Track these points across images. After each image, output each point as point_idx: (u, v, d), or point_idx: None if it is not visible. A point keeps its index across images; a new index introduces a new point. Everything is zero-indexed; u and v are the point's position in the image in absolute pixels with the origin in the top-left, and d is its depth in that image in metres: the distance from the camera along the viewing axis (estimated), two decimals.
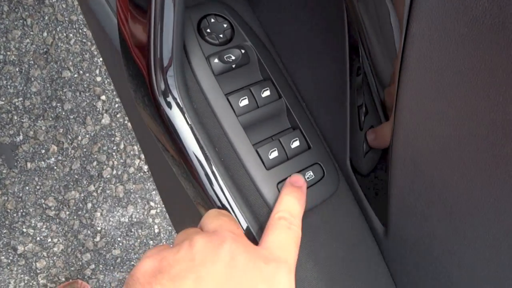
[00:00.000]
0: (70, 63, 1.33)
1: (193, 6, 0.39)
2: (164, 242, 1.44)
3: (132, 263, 1.41)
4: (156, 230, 1.43)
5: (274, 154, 0.36)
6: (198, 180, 0.35)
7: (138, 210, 1.41)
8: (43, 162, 1.33)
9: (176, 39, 0.33)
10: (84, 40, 1.34)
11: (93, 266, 1.38)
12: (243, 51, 0.38)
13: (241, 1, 0.42)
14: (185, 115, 0.34)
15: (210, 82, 0.36)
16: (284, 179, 0.36)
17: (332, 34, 0.32)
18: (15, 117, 1.30)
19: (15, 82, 1.29)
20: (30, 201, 1.32)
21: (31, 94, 1.31)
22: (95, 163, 1.37)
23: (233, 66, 0.38)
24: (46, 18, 1.31)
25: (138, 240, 1.41)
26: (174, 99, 0.34)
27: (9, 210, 1.30)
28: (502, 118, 0.21)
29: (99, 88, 1.36)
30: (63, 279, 1.36)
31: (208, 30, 0.38)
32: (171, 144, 0.35)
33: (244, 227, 0.34)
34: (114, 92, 1.37)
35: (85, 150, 1.36)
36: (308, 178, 0.36)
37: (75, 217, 1.36)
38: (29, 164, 1.31)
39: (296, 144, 0.37)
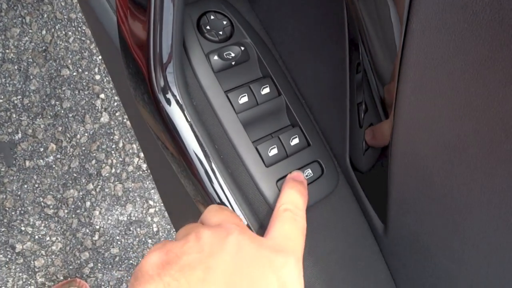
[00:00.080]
0: (69, 61, 1.33)
1: (193, 3, 0.39)
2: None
3: (131, 261, 1.41)
4: (155, 229, 1.43)
5: (274, 152, 0.36)
6: (198, 177, 0.35)
7: (137, 209, 1.41)
8: (41, 161, 1.32)
9: (175, 36, 0.33)
10: (83, 38, 1.34)
11: (91, 264, 1.38)
12: (242, 48, 0.38)
13: None
14: (185, 112, 0.34)
15: (210, 79, 0.36)
16: (284, 177, 0.36)
17: (332, 31, 0.32)
18: (14, 115, 1.30)
19: (14, 80, 1.29)
20: (28, 200, 1.32)
21: (30, 92, 1.31)
22: (94, 161, 1.37)
23: (233, 63, 0.38)
24: (45, 16, 1.31)
25: (137, 239, 1.41)
26: (174, 96, 0.34)
27: (7, 209, 1.30)
28: (502, 115, 0.21)
29: (98, 86, 1.36)
30: (62, 278, 1.35)
31: (208, 27, 0.38)
32: (171, 141, 0.35)
33: (245, 224, 0.34)
34: (113, 91, 1.37)
35: (84, 148, 1.36)
36: (307, 175, 0.37)
37: (73, 216, 1.36)
38: (27, 162, 1.31)
39: (295, 141, 0.37)
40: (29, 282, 1.33)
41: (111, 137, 1.38)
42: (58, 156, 1.34)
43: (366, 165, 0.34)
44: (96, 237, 1.38)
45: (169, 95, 0.34)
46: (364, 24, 0.26)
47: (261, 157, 0.36)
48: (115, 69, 0.56)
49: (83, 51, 1.34)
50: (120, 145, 1.39)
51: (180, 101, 0.34)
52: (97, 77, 1.36)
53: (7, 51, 1.28)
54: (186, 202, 0.46)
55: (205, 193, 0.35)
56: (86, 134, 1.36)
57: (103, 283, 1.39)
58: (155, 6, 0.31)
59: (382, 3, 0.24)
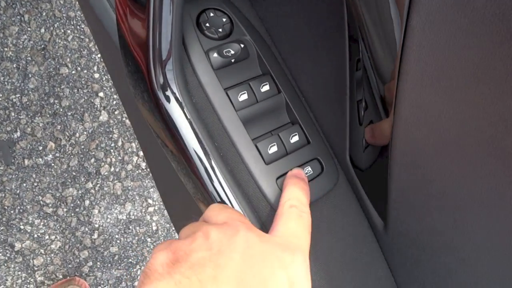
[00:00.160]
0: (68, 59, 1.33)
1: (192, 0, 0.39)
2: (162, 240, 1.44)
3: (130, 260, 1.41)
4: (154, 228, 1.43)
5: (274, 149, 0.36)
6: (198, 175, 0.35)
7: (136, 208, 1.41)
8: (40, 159, 1.32)
9: (174, 33, 0.33)
10: (82, 37, 1.34)
11: (90, 263, 1.38)
12: (242, 45, 0.38)
13: None
14: (184, 109, 0.34)
15: (209, 77, 0.36)
16: (283, 174, 0.36)
17: (332, 28, 0.32)
18: (13, 114, 1.29)
19: (13, 78, 1.29)
20: (27, 198, 1.31)
21: (29, 90, 1.30)
22: (93, 160, 1.36)
23: (232, 60, 0.37)
24: (44, 14, 1.31)
25: (136, 238, 1.41)
26: (173, 93, 0.34)
27: (6, 207, 1.30)
28: (502, 111, 0.21)
29: (97, 85, 1.36)
30: (61, 276, 1.35)
31: (207, 25, 0.38)
32: (170, 139, 0.35)
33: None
34: (112, 89, 1.37)
35: (82, 147, 1.35)
36: (307, 173, 0.36)
37: (72, 214, 1.36)
38: (26, 161, 1.31)
39: (295, 139, 0.37)
40: (28, 281, 1.33)
41: (110, 135, 1.38)
42: (57, 154, 1.34)
43: (366, 162, 0.34)
44: (95, 235, 1.38)
45: (168, 92, 0.34)
46: (364, 21, 0.26)
47: (261, 155, 0.36)
48: (115, 67, 0.56)
49: (82, 49, 1.34)
50: (119, 143, 1.39)
51: (179, 99, 0.34)
52: (96, 75, 1.36)
53: (6, 49, 1.28)
54: (185, 200, 0.46)
55: (205, 191, 0.35)
56: (85, 133, 1.36)
57: (102, 282, 1.39)
58: (154, 4, 0.31)
59: (382, 0, 0.24)
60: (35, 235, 1.33)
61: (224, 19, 0.39)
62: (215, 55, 0.37)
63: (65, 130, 1.34)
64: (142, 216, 1.41)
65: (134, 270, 1.42)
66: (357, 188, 0.37)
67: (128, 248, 1.41)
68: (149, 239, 1.42)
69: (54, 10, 1.31)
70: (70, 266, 1.36)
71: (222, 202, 0.35)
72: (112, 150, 1.38)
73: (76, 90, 1.34)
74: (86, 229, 1.37)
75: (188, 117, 0.34)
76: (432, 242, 0.31)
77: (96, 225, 1.38)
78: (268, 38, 0.40)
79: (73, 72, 1.34)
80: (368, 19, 0.26)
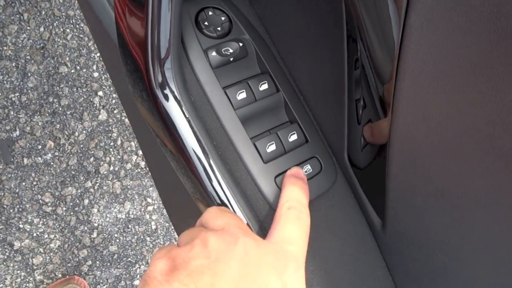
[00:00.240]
0: (67, 58, 1.33)
1: None
2: (162, 239, 1.44)
3: (129, 259, 1.41)
4: (153, 227, 1.43)
5: (272, 148, 0.36)
6: (196, 174, 0.35)
7: (135, 207, 1.41)
8: (39, 158, 1.32)
9: (173, 32, 0.32)
10: (81, 35, 1.34)
11: (90, 262, 1.38)
12: (241, 44, 0.38)
13: None
14: (182, 108, 0.34)
15: (208, 75, 0.36)
16: (282, 173, 0.36)
17: (330, 27, 0.32)
18: (12, 113, 1.29)
19: (12, 77, 1.29)
20: (26, 197, 1.31)
21: (28, 89, 1.30)
22: (92, 159, 1.36)
23: (231, 59, 0.37)
24: (43, 13, 1.30)
25: (135, 237, 1.41)
26: (172, 91, 0.34)
27: (5, 206, 1.30)
28: (500, 110, 0.21)
29: (96, 83, 1.36)
30: (60, 275, 1.35)
31: (206, 23, 0.38)
32: (169, 138, 0.35)
33: (247, 227, 0.34)
34: (112, 88, 1.37)
35: (82, 146, 1.35)
36: (306, 171, 0.36)
37: (72, 213, 1.36)
38: (25, 160, 1.31)
39: (294, 137, 0.37)
40: (27, 280, 1.33)
41: (109, 134, 1.38)
42: (56, 153, 1.34)
43: (364, 161, 0.34)
44: (95, 234, 1.38)
45: (167, 91, 0.34)
46: (363, 20, 0.26)
47: (259, 153, 0.36)
48: (114, 66, 0.56)
49: (81, 48, 1.34)
50: (119, 142, 1.39)
51: (178, 97, 0.34)
52: (95, 74, 1.36)
53: (5, 48, 1.28)
54: (184, 200, 0.46)
55: (204, 190, 0.35)
56: (84, 132, 1.36)
57: (101, 281, 1.39)
58: (153, 2, 0.31)
59: None
60: (34, 234, 1.33)
61: (222, 18, 0.39)
62: (214, 53, 0.37)
63: (64, 129, 1.34)
64: (141, 215, 1.41)
65: (133, 269, 1.42)
66: (355, 187, 0.37)
67: (127, 247, 1.41)
68: (148, 238, 1.42)
69: (53, 9, 1.31)
70: (69, 265, 1.36)
71: (221, 201, 0.35)
72: (111, 149, 1.38)
73: (75, 89, 1.34)
74: (85, 228, 1.37)
75: (187, 116, 0.34)
76: (430, 241, 0.31)
77: (95, 224, 1.38)
78: (266, 37, 0.40)
79: (72, 71, 1.33)
80: (366, 18, 0.26)
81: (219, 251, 0.28)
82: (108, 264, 1.39)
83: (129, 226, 1.41)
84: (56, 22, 1.32)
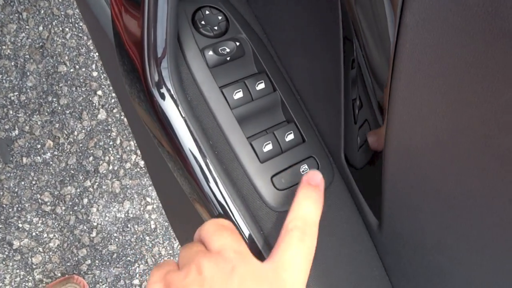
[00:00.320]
0: (66, 57, 1.33)
1: None
2: (161, 238, 1.44)
3: (128, 258, 1.41)
4: (153, 226, 1.43)
5: (268, 147, 0.36)
6: (193, 174, 0.34)
7: (134, 206, 1.41)
8: (39, 157, 1.32)
9: (170, 31, 0.32)
10: (80, 35, 1.34)
11: (89, 261, 1.38)
12: (237, 43, 0.38)
13: None
14: (179, 107, 0.34)
15: (204, 75, 0.36)
16: (279, 172, 0.36)
17: (327, 27, 0.32)
18: (11, 112, 1.29)
19: (11, 76, 1.29)
20: (25, 196, 1.31)
21: (27, 88, 1.30)
22: (91, 158, 1.36)
23: (228, 58, 0.37)
24: (42, 12, 1.30)
25: (135, 236, 1.41)
26: (168, 90, 0.33)
27: (4, 205, 1.30)
28: (495, 109, 0.20)
29: (95, 83, 1.36)
30: (59, 275, 1.35)
31: (203, 22, 0.38)
32: (165, 137, 0.35)
33: (244, 231, 0.34)
34: (110, 87, 1.37)
35: (81, 145, 1.35)
36: (302, 171, 0.36)
37: (71, 213, 1.36)
38: (24, 159, 1.31)
39: (290, 137, 0.37)
40: (26, 279, 1.33)
41: (109, 134, 1.38)
42: (55, 153, 1.34)
43: (360, 161, 0.34)
44: (94, 234, 1.38)
45: (163, 90, 0.34)
46: (358, 19, 0.26)
47: (256, 153, 0.36)
48: (111, 65, 0.56)
49: (80, 47, 1.34)
50: (118, 142, 1.39)
51: (174, 96, 0.34)
52: (95, 73, 1.36)
53: (4, 47, 1.28)
54: (182, 200, 0.46)
55: (200, 191, 0.35)
56: (83, 131, 1.35)
57: (100, 280, 1.39)
58: (149, 1, 0.31)
59: None
60: (34, 233, 1.33)
61: (219, 17, 0.39)
62: (211, 53, 0.37)
63: (63, 128, 1.34)
64: (140, 214, 1.41)
65: (133, 268, 1.42)
66: (352, 187, 0.37)
67: (126, 246, 1.41)
68: (147, 237, 1.42)
69: (52, 8, 1.31)
70: (68, 264, 1.36)
71: (217, 202, 0.34)
72: (110, 149, 1.38)
73: (74, 88, 1.34)
74: (85, 227, 1.37)
75: (183, 115, 0.34)
76: (426, 241, 0.31)
77: (95, 224, 1.38)
78: (263, 36, 0.40)
79: (71, 70, 1.33)
80: (362, 18, 0.26)
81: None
82: (107, 263, 1.39)
83: (128, 226, 1.41)
84: (55, 21, 1.32)
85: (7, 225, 1.30)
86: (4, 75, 1.28)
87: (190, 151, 0.34)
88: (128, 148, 1.39)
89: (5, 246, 1.30)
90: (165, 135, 0.35)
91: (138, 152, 1.40)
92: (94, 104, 1.36)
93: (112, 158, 1.38)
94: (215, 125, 0.36)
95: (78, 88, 1.34)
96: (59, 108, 1.33)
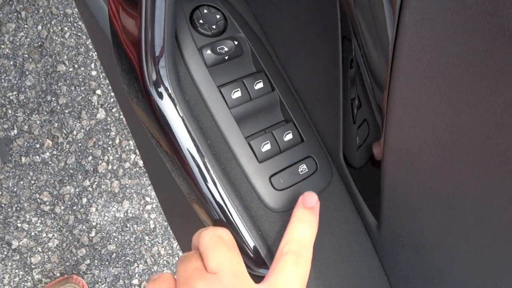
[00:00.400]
0: (65, 57, 1.32)
1: None
2: (160, 238, 1.44)
3: (128, 258, 1.41)
4: (152, 226, 1.43)
5: (267, 147, 0.36)
6: (191, 174, 0.34)
7: (133, 205, 1.41)
8: (37, 157, 1.32)
9: (167, 30, 0.32)
10: (79, 34, 1.33)
11: (88, 261, 1.38)
12: (236, 42, 0.38)
13: None
14: (177, 106, 0.33)
15: (203, 74, 0.36)
16: (277, 172, 0.36)
17: (325, 26, 0.31)
18: (10, 111, 1.29)
19: (10, 75, 1.28)
20: (24, 196, 1.31)
21: (26, 88, 1.30)
22: (90, 158, 1.36)
23: (226, 57, 0.37)
24: (41, 11, 1.30)
25: (134, 236, 1.41)
26: (166, 89, 0.33)
27: (3, 205, 1.29)
28: (495, 109, 0.20)
29: (94, 82, 1.35)
30: (58, 274, 1.35)
31: (201, 21, 0.38)
32: (163, 137, 0.35)
33: (242, 232, 0.34)
34: (110, 87, 1.36)
35: (80, 144, 1.35)
36: (301, 171, 0.36)
37: (70, 212, 1.35)
38: (23, 159, 1.31)
39: (289, 137, 0.37)
40: (25, 279, 1.33)
41: (108, 133, 1.37)
42: (54, 152, 1.33)
43: (359, 161, 0.34)
44: (93, 233, 1.38)
45: (161, 89, 0.33)
46: (357, 18, 0.26)
47: (254, 153, 0.35)
48: (110, 65, 0.56)
49: (79, 46, 1.33)
50: (117, 141, 1.38)
51: (172, 95, 0.33)
52: (94, 73, 1.35)
53: (3, 46, 1.27)
54: (181, 200, 0.46)
55: (199, 191, 0.35)
56: (82, 130, 1.35)
57: (99, 280, 1.39)
58: (147, 0, 0.31)
59: None
60: (32, 233, 1.32)
61: (218, 16, 0.38)
62: (209, 52, 0.37)
63: (62, 128, 1.34)
64: (139, 214, 1.41)
65: (132, 268, 1.42)
66: (351, 187, 0.37)
67: (125, 246, 1.41)
68: (146, 237, 1.42)
69: (51, 7, 1.31)
70: (67, 264, 1.36)
71: (216, 202, 0.34)
72: (109, 148, 1.38)
73: (73, 88, 1.34)
74: (84, 227, 1.37)
75: (181, 114, 0.34)
76: (425, 241, 0.31)
77: (94, 223, 1.38)
78: (262, 36, 0.40)
79: (70, 69, 1.33)
80: (361, 17, 0.26)
81: None
82: (107, 263, 1.39)
83: (128, 225, 1.40)
84: (54, 20, 1.31)
85: (6, 225, 1.30)
86: (3, 75, 1.28)
87: (188, 150, 0.34)
88: (127, 147, 1.39)
89: (4, 246, 1.30)
90: (163, 134, 0.35)
91: (137, 151, 1.40)
92: (93, 104, 1.36)
93: (111, 157, 1.38)
94: (213, 124, 0.36)
95: (77, 87, 1.34)
96: (58, 107, 1.33)
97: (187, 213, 0.49)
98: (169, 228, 1.44)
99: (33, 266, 1.33)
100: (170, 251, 1.45)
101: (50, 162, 1.33)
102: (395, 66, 0.24)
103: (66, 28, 1.32)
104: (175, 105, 0.34)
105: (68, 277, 1.33)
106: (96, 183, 1.37)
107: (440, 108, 0.23)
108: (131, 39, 0.34)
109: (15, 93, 1.29)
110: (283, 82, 0.39)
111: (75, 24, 1.33)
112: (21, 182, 1.31)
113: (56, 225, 1.34)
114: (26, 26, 1.29)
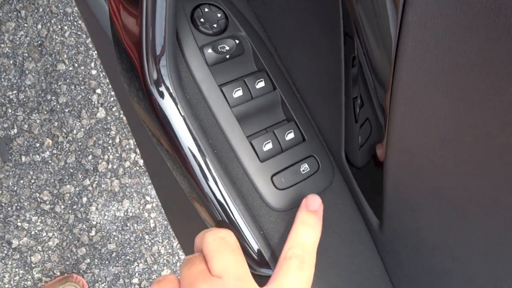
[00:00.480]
0: (65, 56, 1.32)
1: None
2: (160, 237, 1.44)
3: (128, 257, 1.41)
4: (152, 225, 1.43)
5: (269, 146, 0.36)
6: (192, 174, 0.34)
7: (133, 205, 1.40)
8: (37, 156, 1.32)
9: (168, 28, 0.32)
10: (79, 33, 1.33)
11: (88, 260, 1.38)
12: (237, 41, 0.38)
13: None
14: (178, 105, 0.33)
15: (204, 73, 0.36)
16: (279, 172, 0.36)
17: (327, 25, 0.31)
18: (9, 110, 1.29)
19: (9, 75, 1.28)
20: (24, 195, 1.31)
21: (26, 87, 1.30)
22: (90, 157, 1.36)
23: (227, 56, 0.37)
24: (41, 10, 1.30)
25: (134, 235, 1.41)
26: (167, 89, 0.33)
27: (3, 204, 1.29)
28: (499, 108, 0.20)
29: (94, 81, 1.35)
30: (58, 273, 1.35)
31: (202, 20, 0.38)
32: (164, 136, 0.35)
33: (244, 231, 0.34)
34: (110, 86, 1.36)
35: (80, 144, 1.35)
36: (303, 170, 0.36)
37: (70, 211, 1.35)
38: (23, 158, 1.31)
39: (290, 136, 0.37)
40: (25, 278, 1.33)
41: (108, 132, 1.37)
42: (54, 151, 1.33)
43: (361, 160, 0.34)
44: (93, 232, 1.38)
45: (162, 88, 0.33)
46: (359, 16, 0.26)
47: (256, 152, 0.35)
48: (110, 64, 0.56)
49: (79, 45, 1.33)
50: (117, 140, 1.38)
51: (173, 94, 0.33)
52: (94, 72, 1.35)
53: (2, 45, 1.27)
54: (182, 199, 0.46)
55: (200, 190, 0.34)
56: (82, 130, 1.35)
57: (100, 279, 1.39)
58: None
59: None
60: (33, 232, 1.32)
61: (219, 15, 0.38)
62: (210, 51, 0.36)
63: (62, 127, 1.33)
64: (140, 213, 1.41)
65: (132, 267, 1.42)
66: (353, 186, 0.37)
67: (125, 245, 1.40)
68: (146, 236, 1.42)
69: (51, 6, 1.31)
70: (67, 263, 1.36)
71: (217, 202, 0.34)
72: (109, 147, 1.38)
73: (73, 87, 1.34)
74: (84, 226, 1.37)
75: (182, 114, 0.34)
76: (427, 240, 0.31)
77: (94, 222, 1.38)
78: (263, 34, 0.40)
79: (70, 68, 1.33)
80: (363, 15, 0.26)
81: None
82: (107, 262, 1.39)
83: (128, 224, 1.40)
84: (54, 19, 1.31)
85: (6, 224, 1.30)
86: (3, 74, 1.28)
87: (190, 150, 0.34)
88: (127, 146, 1.39)
89: (4, 245, 1.30)
90: (164, 134, 0.35)
91: (137, 150, 1.40)
92: (93, 103, 1.35)
93: (111, 156, 1.38)
94: (214, 124, 0.35)
95: (77, 86, 1.34)
96: (58, 106, 1.32)
97: (187, 212, 0.49)
98: (169, 227, 1.44)
99: (33, 265, 1.33)
100: (170, 250, 1.45)
101: (50, 161, 1.33)
102: (398, 65, 0.24)
103: (66, 27, 1.32)
104: (176, 105, 0.33)
105: (68, 276, 1.33)
106: (96, 182, 1.37)
107: (444, 108, 0.23)
108: (132, 38, 0.34)
109: (15, 92, 1.29)
110: (284, 81, 0.38)
111: (75, 23, 1.33)
112: (21, 181, 1.30)
113: (56, 224, 1.34)
114: (26, 25, 1.29)
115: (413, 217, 0.31)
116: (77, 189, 1.35)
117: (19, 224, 1.31)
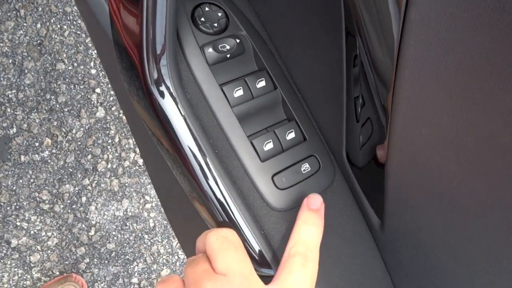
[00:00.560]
0: (64, 55, 1.32)
1: None
2: (160, 237, 1.43)
3: (127, 257, 1.41)
4: (151, 224, 1.42)
5: (269, 146, 0.36)
6: (192, 173, 0.34)
7: (133, 204, 1.40)
8: (37, 155, 1.31)
9: (169, 28, 0.32)
10: (78, 32, 1.33)
11: (87, 260, 1.37)
12: (238, 40, 0.37)
13: None
14: (178, 105, 0.33)
15: (204, 72, 0.36)
16: (279, 171, 0.35)
17: (329, 24, 0.31)
18: (9, 110, 1.28)
19: (9, 74, 1.28)
20: (23, 195, 1.31)
21: (25, 86, 1.29)
22: (89, 156, 1.36)
23: (228, 56, 0.37)
24: (40, 9, 1.29)
25: (133, 234, 1.41)
26: (167, 88, 0.33)
27: (2, 204, 1.29)
28: (502, 107, 0.20)
29: (93, 80, 1.35)
30: (57, 273, 1.35)
31: (202, 19, 0.37)
32: (165, 136, 0.35)
33: (245, 231, 0.34)
34: (109, 85, 1.36)
35: (79, 143, 1.35)
36: (304, 170, 0.36)
37: (69, 211, 1.35)
38: (22, 157, 1.30)
39: (291, 135, 0.37)
40: (24, 277, 1.32)
41: (107, 132, 1.37)
42: (54, 151, 1.33)
43: (363, 160, 0.34)
44: (92, 232, 1.37)
45: (162, 88, 0.33)
46: (361, 15, 0.26)
47: (257, 152, 0.35)
48: (110, 63, 0.55)
49: (78, 45, 1.33)
50: (116, 140, 1.38)
51: (173, 94, 0.33)
52: (93, 71, 1.35)
53: (1, 44, 1.27)
54: (182, 199, 0.46)
55: (200, 189, 0.34)
56: (81, 129, 1.35)
57: (99, 278, 1.38)
58: None
59: None
60: (32, 232, 1.32)
61: (219, 14, 0.38)
62: (210, 50, 0.36)
63: (61, 126, 1.33)
64: (139, 212, 1.41)
65: (131, 266, 1.42)
66: (354, 186, 0.37)
67: (125, 244, 1.40)
68: (146, 236, 1.42)
69: (50, 5, 1.30)
70: (67, 262, 1.36)
71: (217, 201, 0.34)
72: (109, 147, 1.37)
73: (72, 86, 1.33)
74: (83, 225, 1.37)
75: (182, 113, 0.33)
76: (428, 240, 0.31)
77: (93, 222, 1.37)
78: (264, 34, 0.40)
79: (70, 67, 1.33)
80: (365, 14, 0.26)
81: None
82: (106, 261, 1.39)
83: (127, 224, 1.40)
84: (53, 18, 1.31)
85: (5, 224, 1.29)
86: (2, 73, 1.27)
87: (190, 149, 0.34)
88: (126, 146, 1.39)
89: (3, 244, 1.30)
90: (165, 133, 0.34)
91: (137, 150, 1.39)
92: (92, 102, 1.35)
93: (110, 156, 1.37)
94: (215, 123, 0.35)
95: (76, 86, 1.34)
96: (57, 106, 1.32)
97: (188, 212, 0.48)
98: (168, 226, 1.44)
99: (32, 265, 1.33)
100: (169, 250, 1.45)
101: (49, 161, 1.32)
102: (400, 65, 0.24)
103: (65, 26, 1.32)
104: (176, 104, 0.33)
105: (67, 276, 1.33)
106: (95, 181, 1.37)
107: (446, 107, 0.23)
108: (132, 37, 0.34)
109: (14, 91, 1.28)
110: (285, 81, 0.38)
111: (74, 22, 1.33)
112: (20, 181, 1.30)
113: (55, 224, 1.34)
114: (25, 24, 1.28)
115: (415, 216, 0.31)
116: (77, 188, 1.35)
117: (18, 223, 1.31)
